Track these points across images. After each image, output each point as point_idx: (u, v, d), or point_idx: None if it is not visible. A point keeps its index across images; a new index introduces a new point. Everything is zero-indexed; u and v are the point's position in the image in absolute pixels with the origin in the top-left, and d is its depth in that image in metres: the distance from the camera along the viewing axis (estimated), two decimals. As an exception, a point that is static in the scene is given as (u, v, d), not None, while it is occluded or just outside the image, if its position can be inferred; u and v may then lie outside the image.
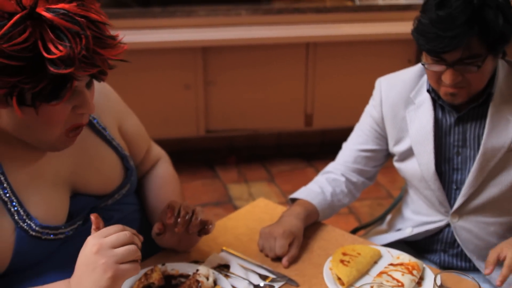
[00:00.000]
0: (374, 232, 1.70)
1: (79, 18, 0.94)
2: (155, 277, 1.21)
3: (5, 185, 1.08)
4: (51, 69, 0.92)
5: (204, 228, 1.28)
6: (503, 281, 1.24)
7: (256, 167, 3.63)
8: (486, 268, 1.28)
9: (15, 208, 1.08)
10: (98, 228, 1.03)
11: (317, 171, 3.56)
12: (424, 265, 1.29)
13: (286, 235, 1.35)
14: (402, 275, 1.22)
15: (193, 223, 1.24)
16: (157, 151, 1.53)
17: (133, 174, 1.33)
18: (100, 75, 1.03)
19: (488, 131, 1.40)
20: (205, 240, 1.39)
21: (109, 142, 1.28)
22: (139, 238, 1.03)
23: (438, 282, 1.06)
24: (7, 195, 1.08)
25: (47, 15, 0.92)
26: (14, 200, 1.08)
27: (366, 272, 1.28)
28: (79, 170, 1.21)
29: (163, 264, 1.27)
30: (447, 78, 1.32)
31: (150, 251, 1.35)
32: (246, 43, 3.36)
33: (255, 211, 1.56)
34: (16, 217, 1.08)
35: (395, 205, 1.80)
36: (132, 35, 3.19)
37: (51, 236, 1.13)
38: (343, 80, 3.59)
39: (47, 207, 1.13)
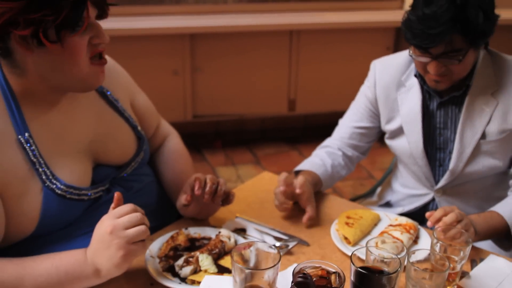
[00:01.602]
0: (365, 203, 1.86)
1: None
2: (181, 239, 1.33)
3: (33, 147, 1.19)
4: None
5: (227, 198, 1.41)
6: (434, 222, 1.32)
7: (242, 151, 3.76)
8: (429, 220, 1.34)
9: (42, 169, 1.19)
10: (116, 207, 1.15)
11: (301, 154, 3.71)
12: (419, 226, 1.45)
13: (305, 179, 1.49)
14: (401, 233, 1.38)
15: (218, 194, 1.37)
16: (167, 127, 1.66)
17: (145, 143, 1.46)
18: (104, 10, 1.18)
19: (463, 120, 1.55)
20: (220, 209, 1.52)
21: (121, 113, 1.41)
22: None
23: (435, 235, 1.22)
24: (36, 155, 1.19)
25: None
26: (41, 161, 1.19)
27: (368, 233, 1.44)
28: (98, 138, 1.33)
29: (186, 229, 1.40)
30: (431, 68, 1.46)
31: (168, 219, 1.47)
32: (232, 31, 3.48)
33: (261, 183, 1.70)
34: (43, 177, 1.19)
35: (385, 179, 1.95)
36: (122, 21, 3.28)
37: (75, 196, 1.24)
38: (325, 66, 3.74)
39: (70, 170, 1.24)
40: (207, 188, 1.35)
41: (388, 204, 1.81)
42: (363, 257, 1.16)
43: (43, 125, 1.23)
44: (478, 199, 1.64)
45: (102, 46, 1.20)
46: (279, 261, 1.06)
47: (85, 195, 1.26)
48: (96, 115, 1.34)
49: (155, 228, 1.44)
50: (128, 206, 1.13)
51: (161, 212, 1.48)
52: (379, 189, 1.93)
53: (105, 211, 1.26)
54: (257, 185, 1.69)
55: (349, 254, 1.29)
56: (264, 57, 3.66)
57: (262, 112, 3.83)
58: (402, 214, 1.72)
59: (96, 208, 1.30)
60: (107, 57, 1.31)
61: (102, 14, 1.20)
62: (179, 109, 3.67)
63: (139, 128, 1.45)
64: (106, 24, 2.85)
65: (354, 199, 2.00)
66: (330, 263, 1.06)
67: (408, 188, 1.73)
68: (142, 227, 1.12)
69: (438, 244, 1.22)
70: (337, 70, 3.71)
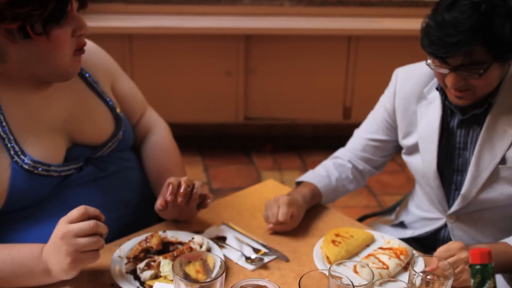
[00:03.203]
0: (381, 221, 1.73)
1: None
2: (154, 242, 1.29)
3: (3, 124, 1.22)
4: None
5: (202, 202, 1.36)
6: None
7: (291, 156, 3.68)
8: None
9: (11, 144, 1.22)
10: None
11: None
12: (414, 251, 1.32)
13: (291, 204, 1.40)
14: (389, 258, 1.26)
15: (192, 198, 1.32)
16: (154, 117, 1.63)
17: (124, 124, 1.44)
18: (85, 2, 1.21)
19: (482, 141, 1.39)
20: (209, 214, 1.47)
21: (99, 95, 1.41)
22: (101, 219, 1.12)
23: (415, 266, 1.10)
24: (6, 132, 1.22)
25: None
26: (11, 137, 1.22)
27: (356, 254, 1.33)
28: (74, 118, 1.34)
29: (164, 231, 1.35)
30: (449, 81, 1.32)
31: (149, 213, 1.43)
32: (288, 33, 3.41)
33: (262, 191, 1.62)
34: (12, 152, 1.22)
35: (406, 198, 1.81)
36: (178, 20, 3.31)
37: (44, 172, 1.25)
38: (383, 74, 3.54)
39: (40, 147, 1.25)
40: (181, 190, 1.30)
41: (402, 225, 1.67)
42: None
43: (17, 104, 1.26)
44: (496, 230, 1.46)
45: (84, 40, 1.25)
46: (222, 275, 0.99)
47: (54, 171, 1.27)
48: (72, 95, 1.35)
49: (132, 216, 1.41)
50: (80, 211, 1.11)
51: (141, 204, 1.44)
52: (398, 208, 1.79)
53: (74, 189, 1.30)
54: (257, 193, 1.61)
55: (328, 274, 1.19)
56: (320, 62, 3.56)
57: (315, 118, 3.73)
58: (413, 238, 1.58)
59: (66, 186, 1.31)
60: (89, 41, 1.36)
61: (83, 5, 1.23)
62: (231, 111, 3.65)
63: (117, 109, 1.44)
64: (163, 22, 2.98)
65: (373, 215, 1.88)
66: (275, 284, 0.97)
67: (421, 210, 1.59)
68: (94, 239, 1.09)
69: (418, 277, 1.10)
70: (396, 79, 3.54)
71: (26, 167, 1.22)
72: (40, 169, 1.24)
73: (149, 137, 1.56)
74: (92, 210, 1.12)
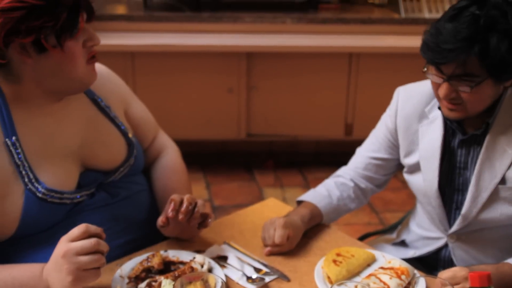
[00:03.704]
0: (382, 240, 1.73)
1: None
2: (155, 261, 1.29)
3: (19, 150, 1.22)
4: None
5: (203, 221, 1.36)
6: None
7: (293, 173, 3.68)
8: None
9: (26, 172, 1.22)
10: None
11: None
12: (415, 271, 1.32)
13: (287, 227, 1.40)
14: (390, 278, 1.25)
15: (194, 216, 1.33)
16: (164, 140, 1.64)
17: (136, 149, 1.44)
18: (92, 13, 1.24)
19: (481, 160, 1.39)
20: (211, 233, 1.47)
21: (112, 119, 1.42)
22: (102, 237, 1.12)
23: (416, 286, 1.10)
24: (21, 159, 1.22)
25: None
26: (26, 164, 1.22)
27: (357, 274, 1.32)
28: (87, 143, 1.35)
29: (166, 251, 1.35)
30: (441, 91, 1.33)
31: (158, 233, 1.43)
32: (289, 51, 3.43)
33: (264, 210, 1.62)
34: (26, 180, 1.22)
35: (407, 216, 1.81)
36: (180, 38, 3.34)
37: (56, 199, 1.25)
38: (384, 91, 3.56)
39: (54, 174, 1.26)
40: (183, 208, 1.31)
41: (403, 243, 1.67)
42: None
43: (32, 129, 1.27)
44: (497, 249, 1.46)
45: (95, 48, 1.27)
46: (222, 296, 0.99)
47: (67, 198, 1.28)
48: (86, 120, 1.36)
49: (142, 239, 1.41)
50: (82, 229, 1.11)
51: (150, 225, 1.44)
52: (400, 226, 1.79)
53: (86, 215, 1.30)
54: (258, 211, 1.61)
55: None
56: (322, 79, 3.57)
57: (317, 134, 3.74)
58: (415, 259, 1.57)
59: (77, 212, 1.31)
60: (101, 65, 1.38)
61: (90, 17, 1.24)
62: (233, 127, 3.66)
63: (130, 134, 1.44)
64: (165, 40, 2.98)
65: (374, 233, 1.87)
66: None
67: (422, 229, 1.58)
68: (95, 257, 1.10)
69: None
70: (397, 96, 3.55)
71: (40, 195, 1.23)
72: (53, 197, 1.25)
73: (159, 159, 1.58)
74: (93, 228, 1.13)
